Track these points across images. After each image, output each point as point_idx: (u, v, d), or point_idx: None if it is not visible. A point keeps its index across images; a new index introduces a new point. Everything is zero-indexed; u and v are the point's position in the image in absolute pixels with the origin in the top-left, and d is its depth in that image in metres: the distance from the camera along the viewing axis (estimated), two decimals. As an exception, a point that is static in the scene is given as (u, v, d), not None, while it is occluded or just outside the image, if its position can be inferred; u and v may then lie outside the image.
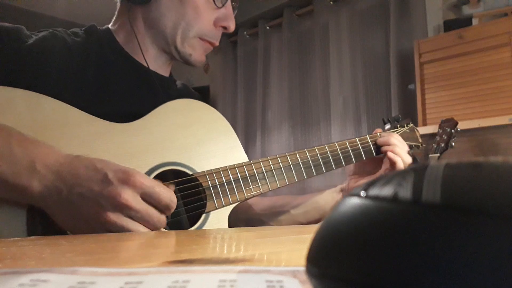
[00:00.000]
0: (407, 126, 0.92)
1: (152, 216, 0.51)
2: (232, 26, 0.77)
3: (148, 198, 0.51)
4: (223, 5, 0.75)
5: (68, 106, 0.61)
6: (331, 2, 2.87)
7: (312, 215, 0.82)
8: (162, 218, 0.53)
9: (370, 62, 2.65)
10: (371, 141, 0.82)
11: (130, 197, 0.49)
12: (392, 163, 0.78)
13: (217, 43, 0.78)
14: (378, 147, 0.82)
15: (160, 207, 0.52)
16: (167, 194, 0.52)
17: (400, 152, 0.78)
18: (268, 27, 3.28)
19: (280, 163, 0.71)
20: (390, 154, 0.78)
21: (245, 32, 3.37)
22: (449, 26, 2.07)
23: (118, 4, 0.78)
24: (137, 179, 0.50)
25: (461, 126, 1.17)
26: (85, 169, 0.50)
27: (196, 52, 0.76)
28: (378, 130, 0.87)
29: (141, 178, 0.50)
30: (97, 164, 0.50)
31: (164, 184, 0.56)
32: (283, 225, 0.84)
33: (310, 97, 2.98)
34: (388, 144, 0.79)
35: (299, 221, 0.83)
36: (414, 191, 0.13)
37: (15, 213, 0.53)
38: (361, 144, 0.81)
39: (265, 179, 0.69)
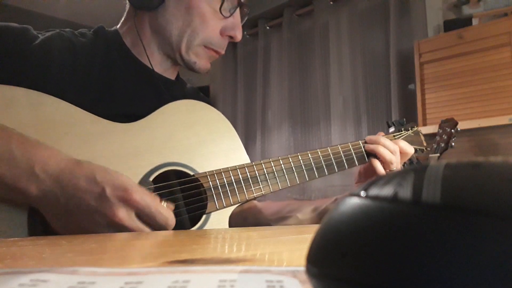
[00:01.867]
0: (411, 129, 0.91)
1: None
2: (239, 36, 0.76)
3: (144, 217, 0.51)
4: (231, 15, 0.74)
5: (71, 105, 0.61)
6: (331, 2, 2.87)
7: (319, 222, 0.81)
8: None
9: (370, 62, 2.65)
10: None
11: (125, 217, 0.49)
12: (375, 156, 0.78)
13: (222, 52, 0.77)
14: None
15: (156, 228, 0.52)
16: (164, 216, 0.52)
17: (382, 151, 0.79)
18: (268, 27, 3.28)
19: (282, 165, 0.71)
20: (370, 146, 0.79)
21: (245, 32, 3.38)
22: (449, 26, 2.07)
23: (127, 6, 0.78)
24: (134, 197, 0.49)
25: (461, 126, 1.17)
26: (85, 180, 0.49)
27: (201, 60, 0.75)
28: (381, 134, 0.87)
29: (139, 196, 0.50)
30: (98, 177, 0.50)
31: (164, 201, 0.55)
32: None
33: (310, 97, 2.98)
34: (376, 144, 0.79)
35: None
36: (414, 191, 0.13)
37: (16, 211, 0.53)
38: (364, 146, 0.81)
39: (267, 180, 0.69)
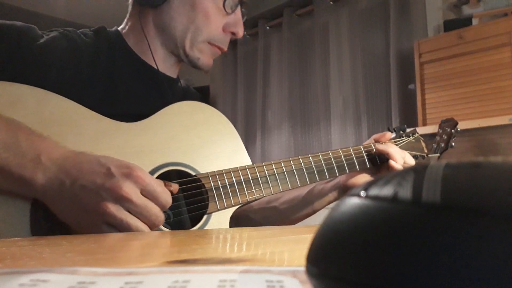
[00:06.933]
0: (412, 136, 0.92)
1: (151, 212, 0.52)
2: (240, 32, 0.78)
3: (146, 194, 0.52)
4: (232, 12, 0.76)
5: (76, 104, 0.62)
6: (331, 2, 2.87)
7: (300, 210, 0.82)
8: (160, 215, 0.53)
9: (370, 62, 2.65)
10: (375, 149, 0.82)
11: (131, 191, 0.50)
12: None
13: (225, 48, 0.79)
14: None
15: (158, 204, 0.53)
16: (165, 195, 0.53)
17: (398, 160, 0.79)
18: (268, 27, 3.28)
19: (284, 168, 0.71)
20: (380, 146, 0.80)
21: (245, 32, 3.36)
22: (449, 26, 2.07)
23: (130, 7, 0.79)
24: (139, 174, 0.51)
25: (461, 126, 1.17)
26: (88, 163, 0.51)
27: (204, 56, 0.77)
28: (388, 134, 0.87)
29: (143, 174, 0.51)
30: (101, 159, 0.52)
31: (168, 184, 0.56)
32: (271, 222, 0.83)
33: (310, 97, 2.98)
34: (387, 153, 0.79)
35: (287, 217, 0.83)
36: (414, 191, 0.13)
37: (19, 205, 0.54)
38: (365, 151, 0.81)
39: (268, 183, 0.69)
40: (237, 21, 0.77)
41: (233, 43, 3.49)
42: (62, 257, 0.28)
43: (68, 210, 0.52)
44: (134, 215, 0.51)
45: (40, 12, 3.41)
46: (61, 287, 0.17)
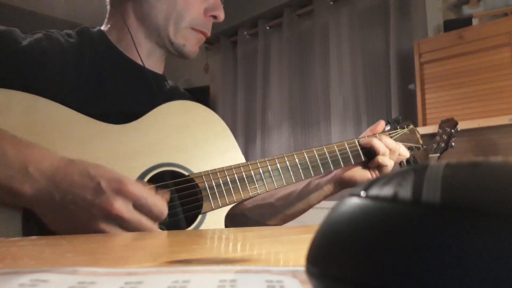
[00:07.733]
0: (407, 127, 0.91)
1: (145, 226, 0.51)
2: (221, 15, 0.79)
3: (140, 208, 0.51)
4: None
5: (65, 107, 0.61)
6: (331, 2, 2.87)
7: (296, 206, 0.82)
8: (154, 228, 0.52)
9: (370, 62, 2.65)
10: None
11: (122, 208, 0.49)
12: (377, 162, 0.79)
13: (208, 33, 0.80)
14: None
15: (151, 218, 0.52)
16: (159, 207, 0.52)
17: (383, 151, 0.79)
18: (268, 27, 3.28)
19: (278, 164, 0.71)
20: (364, 140, 0.80)
21: (245, 32, 3.37)
22: (449, 26, 2.07)
23: (108, 7, 0.79)
24: (130, 188, 0.49)
25: (461, 126, 1.17)
26: (79, 175, 0.49)
27: (189, 43, 0.77)
28: (382, 122, 0.87)
29: (134, 188, 0.50)
30: (91, 171, 0.50)
31: (159, 192, 0.55)
32: (267, 219, 0.83)
33: (310, 97, 2.97)
34: (370, 146, 0.79)
35: (283, 213, 0.82)
36: (414, 191, 0.13)
37: (10, 214, 0.53)
38: (360, 145, 0.80)
39: (262, 179, 0.69)
40: (216, 5, 0.78)
41: (233, 43, 3.50)
42: (62, 257, 0.28)
43: (59, 222, 0.51)
44: (128, 231, 0.50)
45: (40, 12, 3.41)
46: (61, 287, 0.17)
